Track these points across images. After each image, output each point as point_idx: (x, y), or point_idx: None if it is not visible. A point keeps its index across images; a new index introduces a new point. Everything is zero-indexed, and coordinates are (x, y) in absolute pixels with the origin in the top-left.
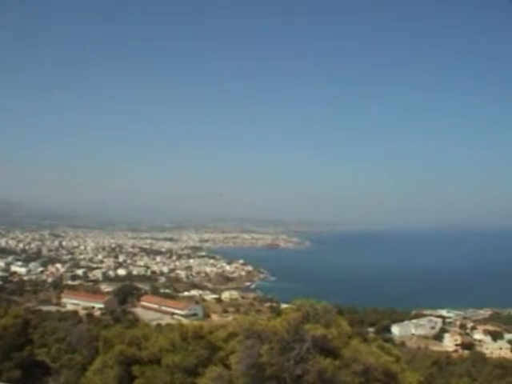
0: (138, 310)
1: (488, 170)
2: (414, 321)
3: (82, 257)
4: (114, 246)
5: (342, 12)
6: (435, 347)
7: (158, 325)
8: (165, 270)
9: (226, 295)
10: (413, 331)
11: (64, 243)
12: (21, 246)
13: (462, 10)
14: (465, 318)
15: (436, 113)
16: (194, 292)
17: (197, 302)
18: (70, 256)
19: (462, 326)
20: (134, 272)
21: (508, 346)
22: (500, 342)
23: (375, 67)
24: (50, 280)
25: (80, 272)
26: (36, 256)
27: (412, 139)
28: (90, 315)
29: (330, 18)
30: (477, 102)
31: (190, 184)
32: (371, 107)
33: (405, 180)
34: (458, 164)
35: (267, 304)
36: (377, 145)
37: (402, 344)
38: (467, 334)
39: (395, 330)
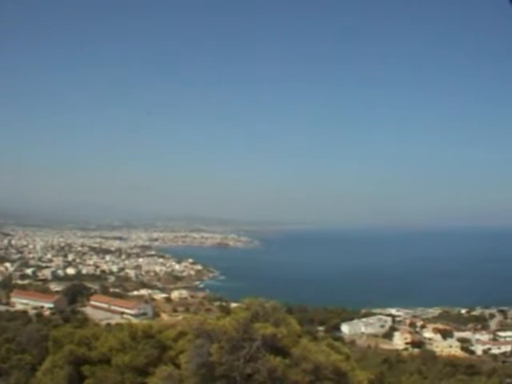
0: (88, 310)
1: (442, 171)
2: (363, 319)
3: (31, 256)
4: (63, 244)
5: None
6: (385, 345)
7: (108, 324)
8: (114, 269)
9: (175, 294)
10: (363, 330)
11: (13, 242)
12: None
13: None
14: (414, 316)
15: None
16: (143, 291)
17: (146, 302)
18: (19, 255)
19: (412, 325)
20: (84, 271)
21: (458, 344)
22: (450, 340)
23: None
24: None
25: (29, 271)
26: None
27: (368, 139)
28: (39, 315)
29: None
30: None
31: (140, 182)
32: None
33: (356, 181)
34: (411, 165)
35: (217, 303)
36: (331, 143)
37: (352, 343)
38: (417, 333)
39: (345, 328)
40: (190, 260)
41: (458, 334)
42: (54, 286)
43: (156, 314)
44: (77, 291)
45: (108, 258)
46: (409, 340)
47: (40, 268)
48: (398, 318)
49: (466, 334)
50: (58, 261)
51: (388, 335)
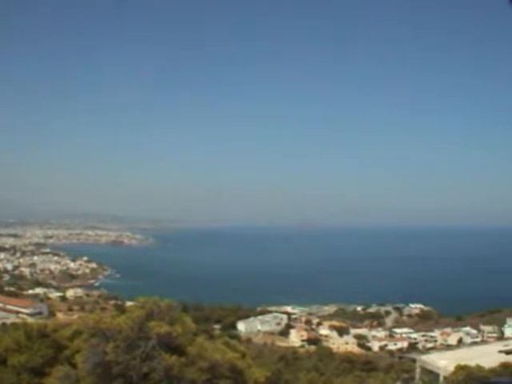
0: None
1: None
2: (259, 317)
3: None
4: None
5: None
6: (281, 343)
7: (3, 324)
8: (9, 267)
9: (70, 293)
10: (259, 327)
11: None
12: None
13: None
14: (310, 313)
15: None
16: (38, 290)
17: (41, 301)
18: None
19: (308, 322)
20: None
21: (354, 340)
22: (346, 337)
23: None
24: None
25: None
26: None
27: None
28: None
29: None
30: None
31: (34, 178)
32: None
33: (262, 179)
34: (320, 164)
35: (112, 302)
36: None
37: (248, 340)
38: (313, 330)
39: (241, 326)
40: (85, 258)
41: (354, 331)
42: None
43: (51, 313)
44: None
45: (2, 255)
46: (305, 337)
47: None
48: (293, 316)
49: (363, 331)
50: None
51: (284, 333)
